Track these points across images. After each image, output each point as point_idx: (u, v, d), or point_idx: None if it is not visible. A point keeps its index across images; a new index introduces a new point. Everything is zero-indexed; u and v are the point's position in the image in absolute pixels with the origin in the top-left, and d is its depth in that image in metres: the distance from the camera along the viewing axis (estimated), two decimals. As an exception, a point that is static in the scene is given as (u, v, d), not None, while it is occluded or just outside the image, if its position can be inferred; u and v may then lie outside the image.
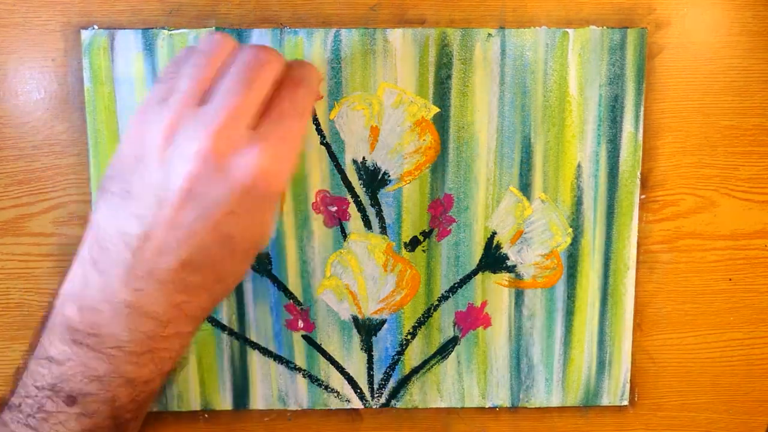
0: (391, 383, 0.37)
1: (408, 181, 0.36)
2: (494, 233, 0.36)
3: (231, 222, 0.25)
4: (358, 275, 0.36)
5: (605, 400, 0.38)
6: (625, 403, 0.38)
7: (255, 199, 0.25)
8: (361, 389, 0.37)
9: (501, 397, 0.38)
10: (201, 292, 0.26)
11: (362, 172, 0.36)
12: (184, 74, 0.26)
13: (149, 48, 0.35)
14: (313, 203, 0.36)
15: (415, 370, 0.37)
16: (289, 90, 0.27)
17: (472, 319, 0.37)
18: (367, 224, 0.36)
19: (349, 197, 0.36)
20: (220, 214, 0.25)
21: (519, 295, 0.37)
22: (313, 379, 0.37)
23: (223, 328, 0.37)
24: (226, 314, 0.37)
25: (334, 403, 0.38)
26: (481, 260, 0.37)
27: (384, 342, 0.37)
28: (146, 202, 0.25)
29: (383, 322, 0.37)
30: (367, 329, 0.37)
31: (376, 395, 0.37)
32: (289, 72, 0.28)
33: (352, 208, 0.36)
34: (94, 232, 0.26)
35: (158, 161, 0.25)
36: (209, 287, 0.26)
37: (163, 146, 0.25)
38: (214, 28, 0.35)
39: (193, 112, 0.25)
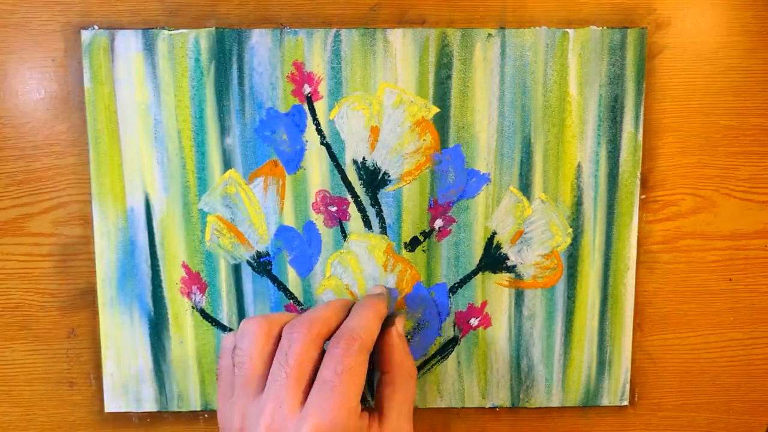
0: (391, 383, 0.37)
1: (408, 181, 0.36)
2: (494, 233, 0.36)
3: None
4: (358, 275, 0.36)
5: (605, 401, 0.38)
6: (625, 403, 0.38)
7: None
8: (361, 389, 0.37)
9: (501, 397, 0.38)
10: None
11: (362, 172, 0.36)
12: (238, 369, 0.30)
13: (149, 48, 0.35)
14: (313, 203, 0.36)
15: (415, 370, 0.37)
16: (329, 349, 0.29)
17: (472, 319, 0.37)
18: (367, 224, 0.36)
19: (349, 197, 0.36)
20: None
21: (519, 295, 0.37)
22: (313, 379, 0.37)
23: (223, 328, 0.37)
24: (226, 314, 0.37)
25: (334, 403, 0.37)
26: (481, 260, 0.37)
27: (384, 342, 0.37)
28: None
29: (383, 322, 0.37)
30: (367, 329, 0.37)
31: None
32: (340, 330, 0.30)
33: (352, 208, 0.36)
34: None
35: None
36: None
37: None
38: (214, 28, 0.35)
39: (253, 405, 0.29)
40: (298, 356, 0.29)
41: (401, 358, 0.32)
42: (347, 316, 0.32)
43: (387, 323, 0.33)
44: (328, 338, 0.30)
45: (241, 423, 0.29)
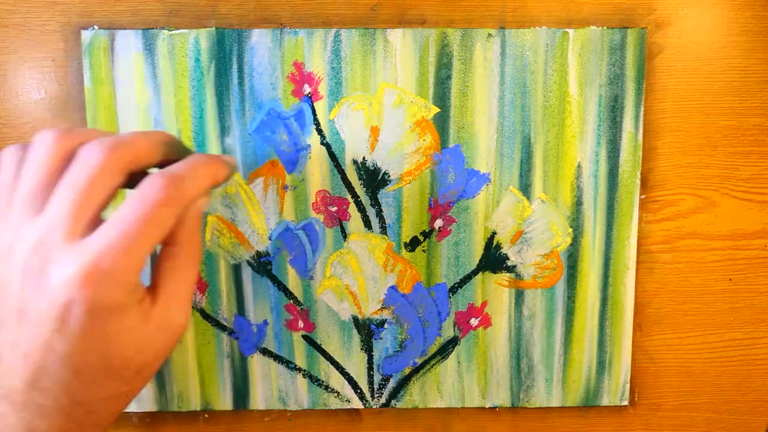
0: (391, 383, 0.37)
1: (408, 181, 0.36)
2: (494, 233, 0.36)
3: (63, 340, 0.23)
4: (358, 275, 0.36)
5: (605, 401, 0.38)
6: (625, 403, 0.38)
7: (83, 314, 0.23)
8: (361, 389, 0.37)
9: (501, 397, 0.38)
10: (57, 415, 0.24)
11: (362, 172, 0.36)
12: (22, 181, 0.25)
13: (149, 48, 0.35)
14: (313, 203, 0.36)
15: (415, 370, 0.37)
16: (141, 185, 0.24)
17: (472, 319, 0.37)
18: (367, 224, 0.36)
19: (349, 197, 0.36)
20: (48, 332, 0.23)
21: (519, 295, 0.37)
22: (313, 379, 0.37)
23: (223, 328, 0.37)
24: (226, 314, 0.37)
25: (335, 403, 0.38)
26: (481, 260, 0.37)
27: (384, 342, 0.37)
28: None
29: (383, 322, 0.37)
30: (367, 329, 0.37)
31: (376, 395, 0.37)
32: (164, 169, 0.25)
33: (352, 208, 0.36)
34: None
35: (0, 279, 0.24)
36: (67, 411, 0.24)
37: (5, 265, 0.24)
38: (214, 28, 0.35)
39: (28, 225, 0.24)
40: (91, 180, 0.24)
41: (192, 235, 0.27)
42: (166, 158, 0.27)
43: None
44: (134, 174, 0.26)
45: (11, 239, 0.24)
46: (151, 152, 0.26)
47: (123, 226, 0.23)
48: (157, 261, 0.27)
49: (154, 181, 0.24)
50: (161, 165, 0.27)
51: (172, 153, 0.27)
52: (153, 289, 0.26)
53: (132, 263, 0.23)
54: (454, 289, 0.37)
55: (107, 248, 0.23)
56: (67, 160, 0.25)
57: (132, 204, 0.24)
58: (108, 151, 0.24)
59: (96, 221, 0.24)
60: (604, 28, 0.35)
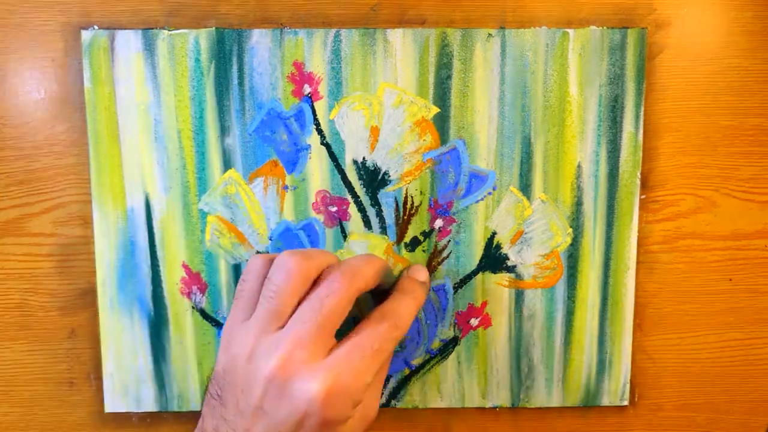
0: (391, 383, 0.37)
1: (408, 181, 0.36)
2: (494, 233, 0.36)
3: None
4: (358, 275, 0.36)
5: (605, 401, 0.38)
6: (626, 403, 0.38)
7: (317, 425, 0.27)
8: (361, 389, 0.37)
9: (501, 398, 0.38)
10: None
11: (362, 172, 0.36)
12: (266, 297, 0.29)
13: (149, 48, 0.35)
14: (313, 203, 0.36)
15: (415, 370, 0.37)
16: (372, 321, 0.30)
17: (472, 319, 0.37)
18: (367, 224, 0.36)
19: (349, 197, 0.36)
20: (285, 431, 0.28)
21: (519, 295, 0.37)
22: (313, 379, 0.37)
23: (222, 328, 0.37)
24: (226, 314, 0.37)
25: (334, 403, 0.37)
26: (481, 260, 0.37)
27: (384, 342, 0.37)
28: (231, 409, 0.28)
29: (383, 322, 0.37)
30: (367, 329, 0.37)
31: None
32: (384, 305, 0.31)
33: (352, 208, 0.36)
34: (200, 425, 0.30)
35: (242, 377, 0.28)
36: None
37: (245, 366, 0.28)
38: (214, 28, 0.35)
39: (270, 337, 0.28)
40: (334, 308, 0.29)
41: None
42: (380, 283, 0.32)
43: None
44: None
45: (252, 349, 0.29)
46: (374, 280, 0.31)
47: (360, 352, 0.28)
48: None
49: (384, 317, 0.30)
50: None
51: (385, 279, 0.32)
52: None
53: (362, 386, 0.28)
54: (454, 289, 0.37)
55: (346, 372, 0.28)
56: (306, 284, 0.30)
57: (368, 335, 0.29)
58: (348, 282, 0.29)
59: (331, 342, 0.29)
60: (604, 28, 0.35)
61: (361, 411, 0.29)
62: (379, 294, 0.33)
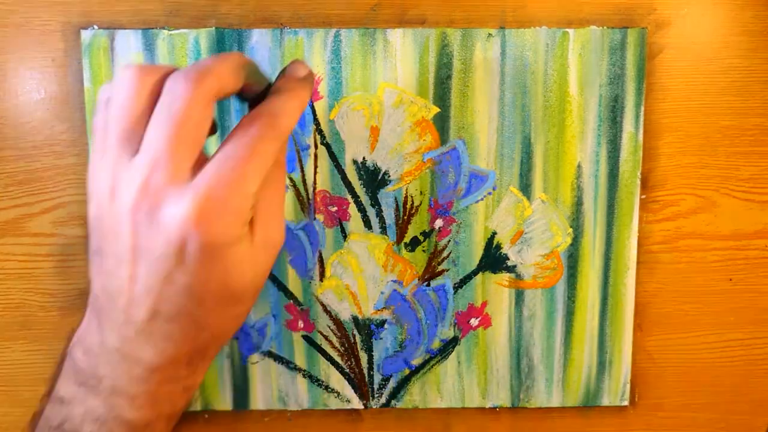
0: (391, 383, 0.37)
1: (408, 181, 0.36)
2: (494, 233, 0.36)
3: (183, 273, 0.24)
4: (358, 275, 0.36)
5: (605, 401, 0.38)
6: (626, 403, 0.38)
7: (200, 250, 0.23)
8: (361, 389, 0.37)
9: (501, 398, 0.38)
10: (185, 340, 0.26)
11: (362, 172, 0.36)
12: (110, 122, 0.25)
13: (149, 48, 0.35)
14: (313, 203, 0.36)
15: (415, 371, 0.37)
16: (241, 125, 0.25)
17: (472, 319, 0.37)
18: (367, 224, 0.36)
19: (349, 197, 0.36)
20: (169, 267, 0.24)
21: (519, 296, 0.37)
22: (314, 380, 0.37)
23: (223, 328, 0.37)
24: (226, 314, 0.37)
25: (335, 404, 0.38)
26: (481, 260, 0.37)
27: (384, 342, 0.37)
28: (110, 259, 0.25)
29: (383, 322, 0.37)
30: (367, 329, 0.37)
31: (376, 395, 0.37)
32: (261, 108, 0.26)
33: (352, 208, 0.36)
34: (91, 290, 0.27)
35: (109, 219, 0.25)
36: (193, 335, 0.26)
37: (109, 206, 0.25)
38: (214, 28, 0.35)
39: (126, 167, 0.24)
40: (185, 115, 0.23)
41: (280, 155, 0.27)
42: (246, 82, 0.26)
43: None
44: (219, 99, 0.25)
45: (112, 182, 0.24)
46: (234, 78, 0.25)
47: (231, 162, 0.24)
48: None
49: (254, 119, 0.25)
50: (241, 91, 0.26)
51: (250, 77, 0.26)
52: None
53: (244, 197, 0.24)
54: (454, 289, 0.37)
55: (219, 184, 0.23)
56: (153, 95, 0.24)
57: (236, 141, 0.24)
58: (194, 82, 0.24)
59: (198, 156, 0.24)
60: (604, 28, 0.35)
61: (260, 234, 0.25)
62: (257, 102, 0.27)
